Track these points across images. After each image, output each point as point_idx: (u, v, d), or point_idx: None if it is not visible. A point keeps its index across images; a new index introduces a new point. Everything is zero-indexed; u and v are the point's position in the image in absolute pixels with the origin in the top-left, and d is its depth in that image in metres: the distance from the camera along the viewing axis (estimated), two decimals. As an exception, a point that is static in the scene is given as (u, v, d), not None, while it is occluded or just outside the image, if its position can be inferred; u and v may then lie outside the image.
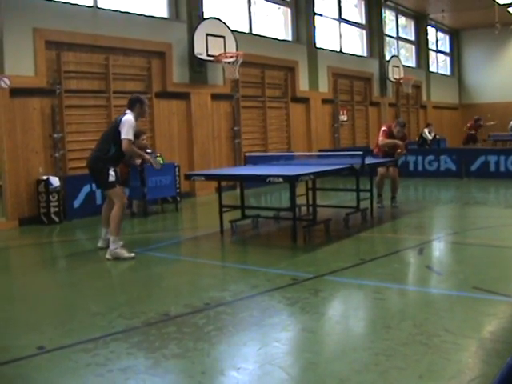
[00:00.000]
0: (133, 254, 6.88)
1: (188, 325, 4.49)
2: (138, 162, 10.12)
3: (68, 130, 10.40)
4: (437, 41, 27.70)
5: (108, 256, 6.83)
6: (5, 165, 9.40)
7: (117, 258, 6.78)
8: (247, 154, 10.24)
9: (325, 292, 5.29)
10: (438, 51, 27.85)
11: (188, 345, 4.05)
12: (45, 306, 5.30)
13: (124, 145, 6.83)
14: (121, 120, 6.90)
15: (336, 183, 12.10)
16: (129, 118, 6.90)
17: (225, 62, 13.05)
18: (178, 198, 11.11)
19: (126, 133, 6.82)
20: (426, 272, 6.05)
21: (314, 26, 17.23)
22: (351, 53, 19.82)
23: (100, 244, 7.42)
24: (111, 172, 6.93)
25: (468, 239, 7.71)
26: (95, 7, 11.06)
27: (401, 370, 3.54)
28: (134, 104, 7.12)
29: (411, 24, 25.11)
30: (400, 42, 24.06)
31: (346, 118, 18.85)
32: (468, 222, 9.27)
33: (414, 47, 25.30)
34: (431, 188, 13.81)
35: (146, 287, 5.79)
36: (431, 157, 15.58)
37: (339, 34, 19.32)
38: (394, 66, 21.30)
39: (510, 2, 20.30)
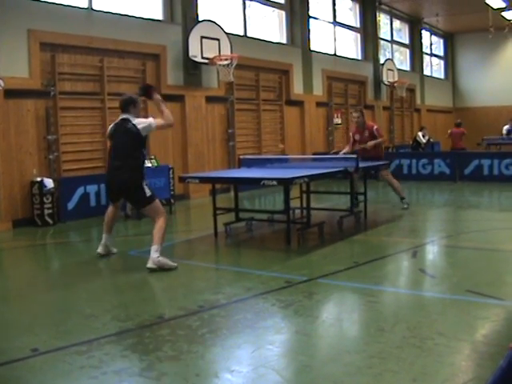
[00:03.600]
0: (176, 264, 6.43)
1: (182, 327, 4.50)
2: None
3: (62, 132, 10.38)
4: (431, 44, 27.79)
5: (151, 265, 6.28)
6: (-2, 166, 9.38)
7: (161, 267, 6.29)
8: (241, 157, 10.25)
9: (319, 295, 5.30)
10: (432, 55, 27.95)
11: (182, 347, 4.05)
12: (39, 308, 5.29)
13: (164, 124, 6.76)
14: (137, 128, 6.51)
15: (330, 186, 12.12)
16: (138, 120, 6.63)
17: (219, 65, 13.06)
18: (172, 201, 11.11)
19: (150, 122, 6.64)
20: (420, 275, 6.07)
21: (309, 29, 17.27)
22: (346, 56, 19.85)
23: (100, 250, 6.96)
24: (145, 186, 6.53)
25: (461, 242, 7.74)
26: (90, 9, 11.06)
27: (394, 372, 3.55)
28: (128, 106, 6.73)
29: (405, 27, 25.19)
30: (394, 46, 24.14)
31: (340, 121, 18.89)
32: (461, 226, 9.31)
33: (408, 51, 25.39)
34: (425, 191, 13.84)
35: (140, 290, 5.79)
36: (425, 160, 15.64)
37: (334, 37, 19.36)
38: (388, 70, 21.36)
39: (503, 7, 20.39)
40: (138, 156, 6.60)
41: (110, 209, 7.05)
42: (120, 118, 6.75)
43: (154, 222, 6.57)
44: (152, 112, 12.09)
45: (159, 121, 6.78)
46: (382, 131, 10.72)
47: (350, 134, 10.95)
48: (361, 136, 10.50)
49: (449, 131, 19.17)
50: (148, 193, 6.54)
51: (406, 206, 10.40)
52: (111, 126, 6.89)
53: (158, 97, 6.94)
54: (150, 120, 6.76)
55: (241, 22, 15.26)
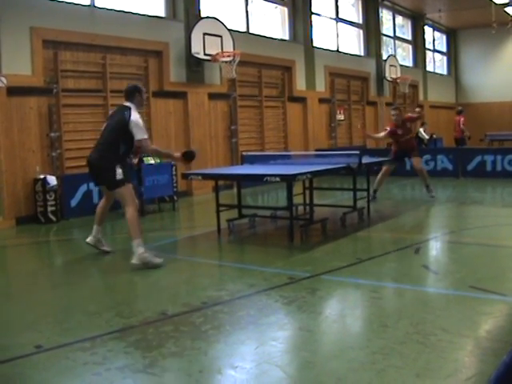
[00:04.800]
0: (162, 260, 6.38)
1: (185, 324, 4.50)
2: (135, 160, 10.13)
3: (65, 129, 10.39)
4: (434, 40, 27.73)
5: (135, 261, 6.23)
6: (2, 164, 9.38)
7: (145, 264, 6.22)
8: (244, 154, 10.24)
9: (322, 291, 5.30)
10: (434, 51, 27.88)
11: (185, 344, 4.06)
12: (42, 305, 5.31)
13: (145, 146, 6.66)
14: (129, 120, 6.47)
15: (333, 182, 12.12)
16: (136, 116, 6.55)
17: (222, 62, 13.05)
18: (175, 198, 11.11)
19: (142, 133, 6.53)
20: (423, 271, 6.07)
21: (311, 26, 17.24)
22: (348, 52, 19.83)
23: (88, 240, 7.04)
24: (118, 170, 6.44)
25: (464, 238, 7.74)
26: (92, 6, 11.05)
27: (398, 368, 3.55)
28: (133, 94, 6.75)
29: (408, 23, 25.14)
30: (397, 42, 24.09)
31: (342, 118, 18.87)
32: (464, 222, 9.30)
33: (410, 47, 25.34)
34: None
35: (143, 286, 5.80)
36: (428, 156, 15.59)
37: (336, 33, 19.33)
38: (391, 66, 21.32)
39: (506, 2, 20.32)
40: (118, 143, 6.54)
41: (102, 201, 7.16)
42: (123, 104, 6.81)
43: (123, 210, 6.60)
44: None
45: (150, 145, 6.95)
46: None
47: (387, 128, 11.42)
48: (403, 130, 10.99)
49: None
50: (119, 176, 6.45)
51: (434, 194, 11.05)
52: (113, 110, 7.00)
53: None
54: (145, 136, 6.62)
55: (243, 18, 15.24)
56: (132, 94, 6.78)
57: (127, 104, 6.71)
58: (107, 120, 6.95)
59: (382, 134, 11.69)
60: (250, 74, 15.03)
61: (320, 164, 8.82)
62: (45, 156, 10.16)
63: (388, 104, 21.95)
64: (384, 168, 10.91)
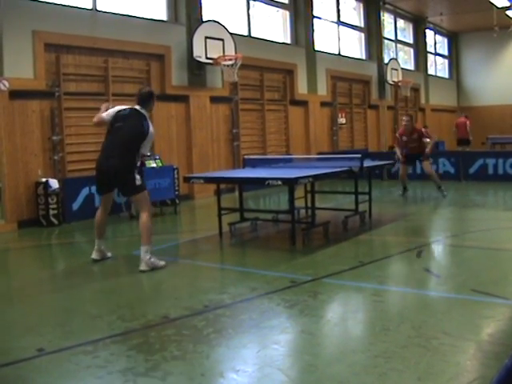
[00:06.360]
0: (164, 262, 6.48)
1: (187, 327, 4.51)
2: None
3: (67, 133, 10.41)
4: (435, 44, 27.73)
5: (144, 267, 6.27)
6: (4, 167, 9.40)
7: (154, 269, 6.30)
8: (246, 157, 10.25)
9: (323, 294, 5.31)
10: (436, 54, 27.89)
11: (187, 347, 4.06)
12: (44, 309, 5.31)
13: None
14: (148, 133, 6.42)
15: (335, 186, 12.12)
16: (152, 131, 6.51)
17: (224, 65, 13.07)
18: (177, 201, 11.12)
19: (148, 150, 6.63)
20: (425, 275, 6.07)
21: (313, 29, 17.26)
22: (350, 56, 19.84)
23: (94, 256, 6.83)
24: (137, 176, 6.41)
25: (466, 242, 7.73)
26: (94, 10, 11.08)
27: (399, 372, 3.55)
28: (149, 100, 6.63)
29: (410, 27, 25.15)
30: (398, 45, 24.09)
31: (344, 121, 18.87)
32: (466, 225, 9.29)
33: (412, 50, 25.34)
34: (429, 191, 13.79)
35: (145, 290, 5.80)
36: (430, 159, 15.57)
37: (338, 36, 19.34)
38: (392, 69, 21.33)
39: (508, 5, 20.34)
40: (136, 150, 6.42)
41: (99, 212, 6.83)
42: (134, 107, 6.59)
43: (139, 214, 6.56)
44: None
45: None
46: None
47: (397, 135, 12.55)
48: (408, 138, 11.98)
49: (455, 122, 21.17)
50: (138, 181, 6.41)
51: (445, 193, 11.86)
52: (122, 108, 6.66)
53: None
54: (148, 154, 6.80)
55: (245, 22, 15.26)
56: (148, 99, 6.63)
57: (142, 111, 6.53)
58: (118, 121, 6.52)
59: (399, 148, 12.33)
60: (252, 77, 15.05)
61: (322, 167, 8.82)
62: (47, 159, 10.18)
63: (390, 107, 21.99)
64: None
